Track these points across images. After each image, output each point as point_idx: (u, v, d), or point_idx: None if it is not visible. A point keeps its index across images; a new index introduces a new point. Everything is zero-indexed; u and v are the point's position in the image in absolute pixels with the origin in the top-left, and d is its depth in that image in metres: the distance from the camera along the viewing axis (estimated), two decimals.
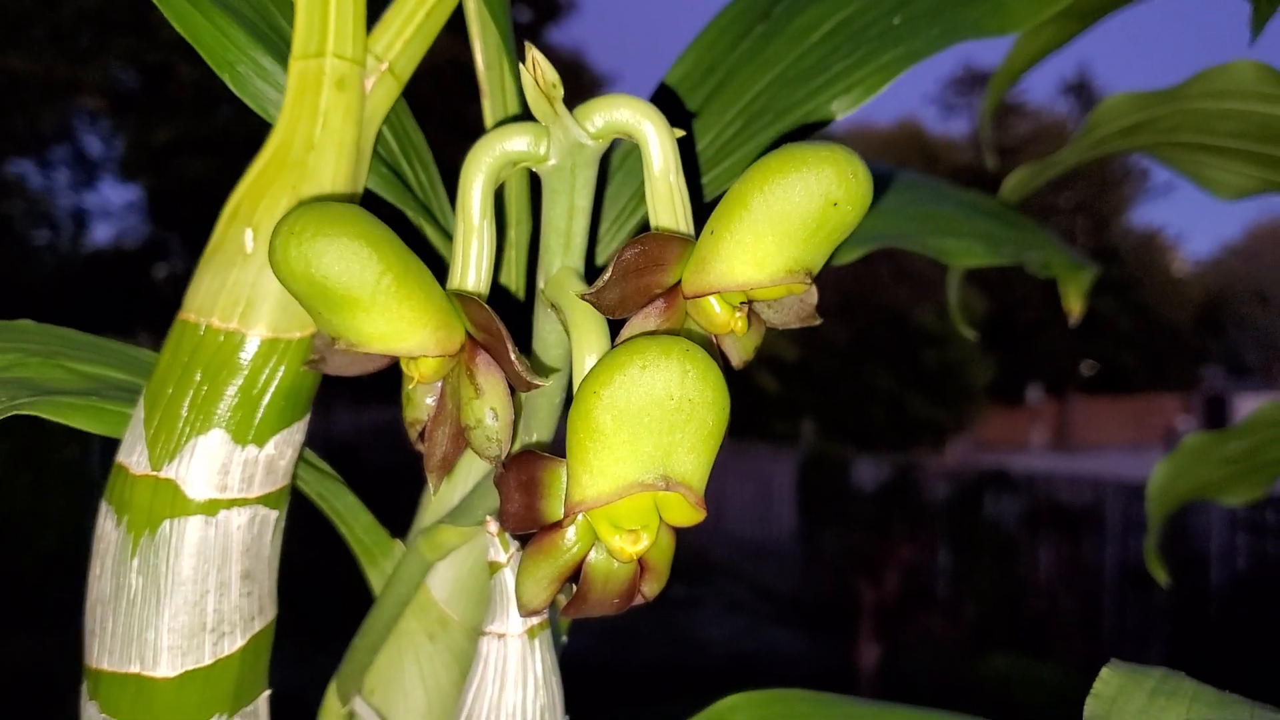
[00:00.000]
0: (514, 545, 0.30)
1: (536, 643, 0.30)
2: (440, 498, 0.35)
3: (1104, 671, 0.25)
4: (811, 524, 6.00)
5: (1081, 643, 4.64)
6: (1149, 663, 0.26)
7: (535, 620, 0.30)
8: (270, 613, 0.31)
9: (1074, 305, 0.53)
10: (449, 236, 0.34)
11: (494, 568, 0.30)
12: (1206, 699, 0.24)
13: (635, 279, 0.24)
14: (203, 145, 8.83)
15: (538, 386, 0.25)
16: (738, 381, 0.28)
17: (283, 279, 0.24)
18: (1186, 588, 4.34)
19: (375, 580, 0.36)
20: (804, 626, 4.98)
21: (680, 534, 0.24)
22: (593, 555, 0.24)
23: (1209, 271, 22.26)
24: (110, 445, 0.31)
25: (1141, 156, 0.58)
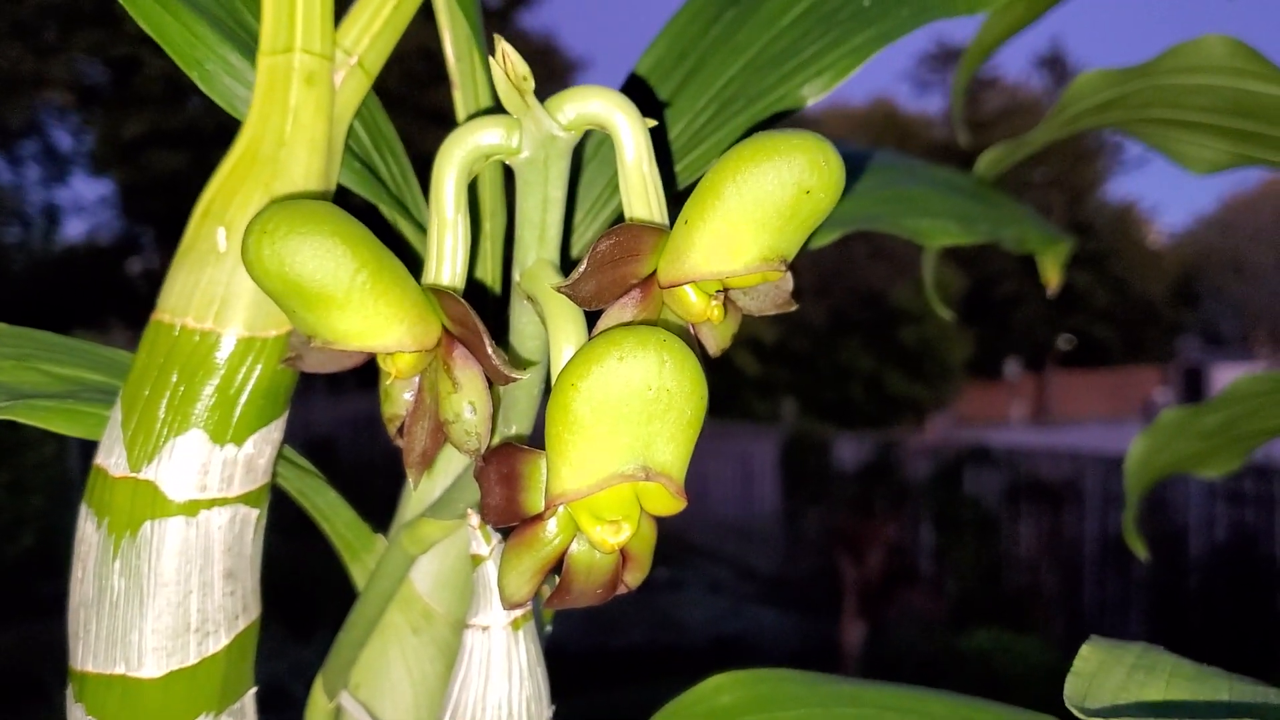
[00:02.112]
0: (496, 538, 0.30)
1: (520, 634, 0.30)
2: (421, 492, 0.34)
3: (1084, 649, 0.24)
4: (793, 503, 6.01)
5: (1062, 616, 4.67)
6: (1129, 635, 0.26)
7: (519, 612, 0.30)
8: (254, 611, 0.31)
9: (1052, 277, 0.53)
10: (422, 229, 0.34)
11: (476, 560, 0.30)
12: (1185, 673, 0.24)
13: (611, 270, 0.24)
14: (173, 138, 8.77)
15: (515, 379, 0.24)
16: (717, 362, 0.28)
17: (257, 278, 0.23)
18: (1166, 559, 4.36)
19: (358, 575, 0.36)
20: (788, 606, 4.99)
21: (662, 516, 0.24)
22: (575, 546, 0.24)
23: (1184, 243, 22.37)
24: (89, 444, 0.31)
25: (1115, 131, 0.58)
